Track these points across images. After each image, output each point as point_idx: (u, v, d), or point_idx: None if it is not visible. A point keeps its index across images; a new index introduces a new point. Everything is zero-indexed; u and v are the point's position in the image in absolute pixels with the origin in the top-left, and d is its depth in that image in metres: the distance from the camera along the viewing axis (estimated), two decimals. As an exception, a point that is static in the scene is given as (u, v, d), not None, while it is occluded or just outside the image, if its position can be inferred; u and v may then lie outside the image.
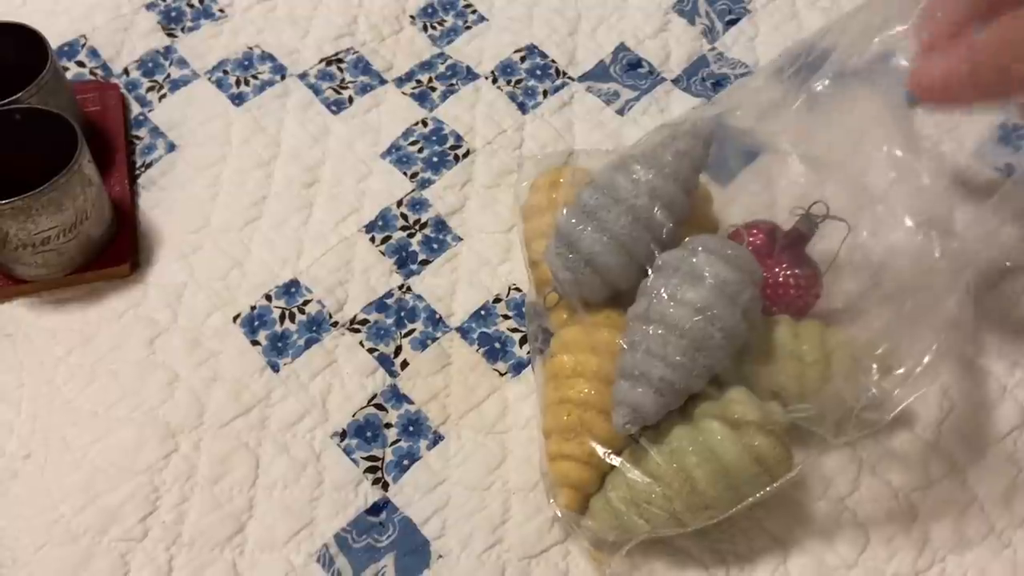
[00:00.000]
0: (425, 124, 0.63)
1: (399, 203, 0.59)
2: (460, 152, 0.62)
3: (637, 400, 0.45)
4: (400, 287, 0.56)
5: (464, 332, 0.55)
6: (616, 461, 0.46)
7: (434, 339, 0.54)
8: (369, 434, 0.51)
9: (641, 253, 0.48)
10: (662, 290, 0.46)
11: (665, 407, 0.45)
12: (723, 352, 0.45)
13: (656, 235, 0.48)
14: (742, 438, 0.44)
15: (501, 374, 0.53)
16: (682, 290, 0.45)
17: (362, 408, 0.52)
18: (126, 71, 0.65)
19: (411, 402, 0.52)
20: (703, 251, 0.46)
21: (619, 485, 0.46)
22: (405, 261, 0.57)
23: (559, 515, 0.47)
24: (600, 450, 0.46)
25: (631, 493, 0.45)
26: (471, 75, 0.66)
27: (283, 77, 0.65)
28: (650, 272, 0.47)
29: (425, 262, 0.57)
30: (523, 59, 0.66)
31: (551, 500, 0.47)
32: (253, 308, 0.55)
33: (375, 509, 0.49)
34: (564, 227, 0.49)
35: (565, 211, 0.49)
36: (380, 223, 0.59)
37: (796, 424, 0.46)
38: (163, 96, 0.64)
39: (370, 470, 0.50)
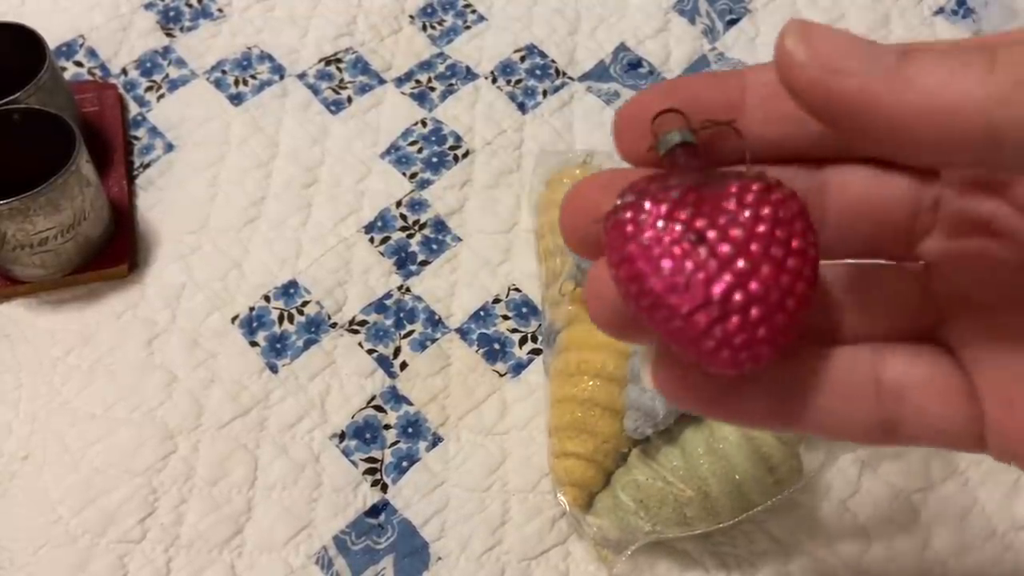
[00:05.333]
0: (424, 124, 0.63)
1: (398, 203, 0.59)
2: (459, 152, 0.62)
3: (647, 404, 0.44)
4: (399, 288, 0.56)
5: (463, 333, 0.55)
6: (627, 461, 0.46)
7: (433, 340, 0.54)
8: (368, 435, 0.51)
9: None
10: None
11: (676, 411, 0.45)
12: None
13: None
14: (757, 447, 0.44)
15: (500, 375, 0.53)
16: None
17: (361, 409, 0.52)
18: (124, 71, 0.65)
19: (410, 403, 0.52)
20: None
21: (628, 485, 0.46)
22: (404, 262, 0.57)
23: (567, 509, 0.47)
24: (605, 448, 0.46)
25: (641, 495, 0.45)
26: (471, 75, 0.65)
27: (282, 77, 0.65)
28: None
29: (424, 263, 0.57)
30: (523, 59, 0.66)
31: (559, 495, 0.47)
32: (252, 309, 0.55)
33: (374, 511, 0.49)
34: None
35: None
36: (379, 224, 0.58)
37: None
38: (161, 96, 0.64)
39: (369, 471, 0.50)
